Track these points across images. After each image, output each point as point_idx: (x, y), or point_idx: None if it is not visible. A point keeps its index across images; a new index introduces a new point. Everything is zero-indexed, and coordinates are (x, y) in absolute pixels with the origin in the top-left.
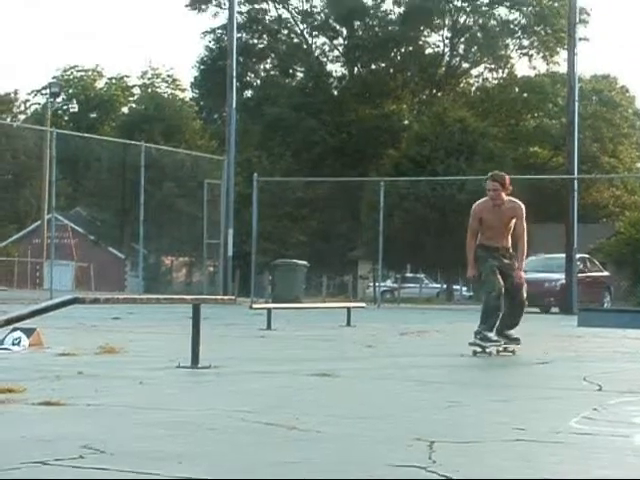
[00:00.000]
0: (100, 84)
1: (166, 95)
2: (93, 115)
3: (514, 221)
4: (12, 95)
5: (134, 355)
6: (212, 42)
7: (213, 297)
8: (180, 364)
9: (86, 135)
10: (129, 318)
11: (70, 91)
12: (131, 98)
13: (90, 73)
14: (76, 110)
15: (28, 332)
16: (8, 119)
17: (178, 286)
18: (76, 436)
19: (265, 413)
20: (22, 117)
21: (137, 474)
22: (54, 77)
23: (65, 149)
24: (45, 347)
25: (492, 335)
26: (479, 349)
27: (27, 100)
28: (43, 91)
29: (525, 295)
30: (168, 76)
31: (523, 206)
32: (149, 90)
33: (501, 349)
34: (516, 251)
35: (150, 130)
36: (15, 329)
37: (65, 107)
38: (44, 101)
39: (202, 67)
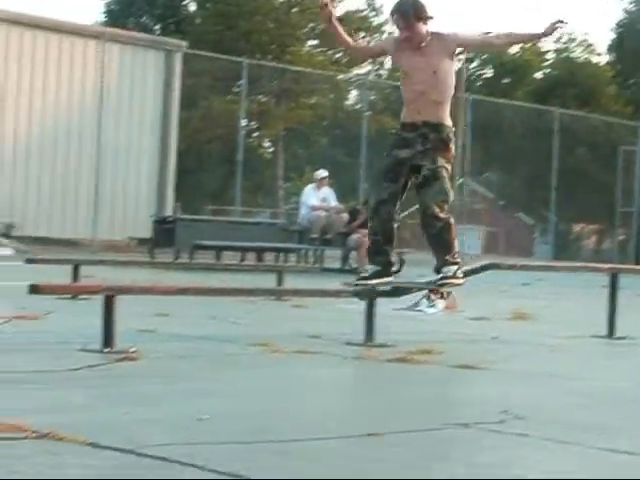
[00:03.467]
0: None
1: (580, 60)
2: (506, 80)
3: (448, 64)
4: None
5: (545, 322)
6: (632, 4)
7: (631, 267)
8: (594, 333)
9: (499, 100)
10: (538, 284)
11: (485, 56)
12: (545, 63)
13: None
14: (490, 75)
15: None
16: None
17: (586, 253)
18: (494, 400)
19: None
20: None
21: (558, 443)
22: None
23: (478, 114)
24: (460, 310)
25: (365, 271)
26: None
27: None
28: (460, 56)
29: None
30: (583, 41)
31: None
32: (563, 55)
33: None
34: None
35: (563, 95)
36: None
37: (479, 72)
38: (459, 66)
39: (619, 30)
